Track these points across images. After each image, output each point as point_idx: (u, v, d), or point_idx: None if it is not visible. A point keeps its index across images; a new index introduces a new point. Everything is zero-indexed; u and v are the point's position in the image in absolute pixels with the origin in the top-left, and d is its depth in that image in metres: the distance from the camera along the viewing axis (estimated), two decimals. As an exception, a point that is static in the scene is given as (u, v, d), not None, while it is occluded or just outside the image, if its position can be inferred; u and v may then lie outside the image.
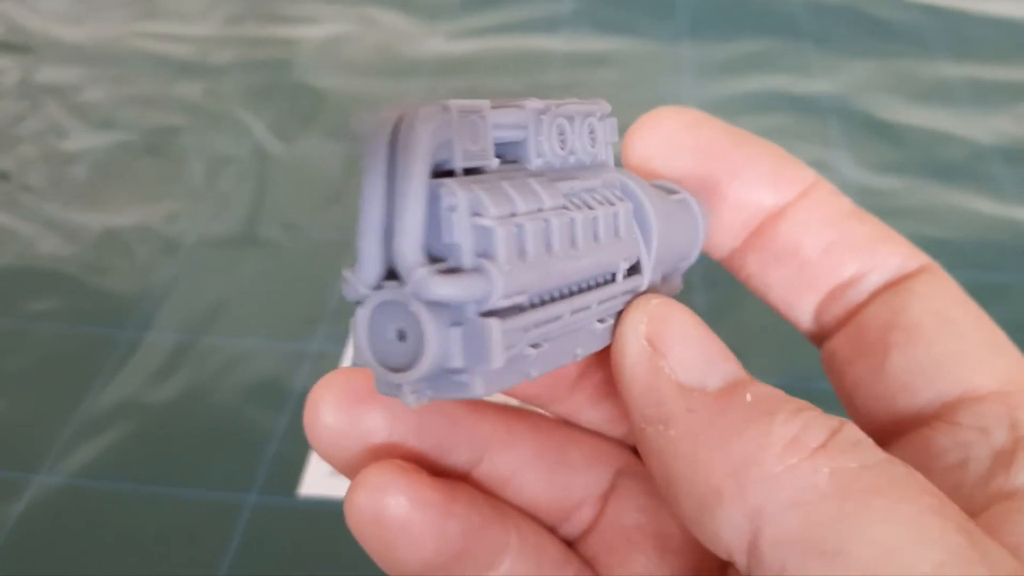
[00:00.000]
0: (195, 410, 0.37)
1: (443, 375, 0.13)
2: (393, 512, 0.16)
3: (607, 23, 0.59)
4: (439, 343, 0.13)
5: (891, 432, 0.19)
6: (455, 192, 0.13)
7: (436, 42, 0.58)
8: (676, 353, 0.16)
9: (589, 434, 0.20)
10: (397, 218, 0.13)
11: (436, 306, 0.13)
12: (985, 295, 0.39)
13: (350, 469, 0.17)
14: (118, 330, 0.40)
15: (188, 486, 0.34)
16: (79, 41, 0.60)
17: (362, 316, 0.13)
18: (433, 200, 0.13)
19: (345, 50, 0.58)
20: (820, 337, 0.21)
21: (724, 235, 0.20)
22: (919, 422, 0.18)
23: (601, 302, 0.16)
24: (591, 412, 0.20)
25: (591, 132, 0.17)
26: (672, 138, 0.20)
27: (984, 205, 0.45)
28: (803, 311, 0.20)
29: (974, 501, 0.16)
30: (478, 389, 0.13)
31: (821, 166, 0.47)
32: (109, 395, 0.38)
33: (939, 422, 0.18)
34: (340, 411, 0.17)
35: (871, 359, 0.19)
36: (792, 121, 0.50)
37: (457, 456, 0.18)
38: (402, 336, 0.13)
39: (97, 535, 0.33)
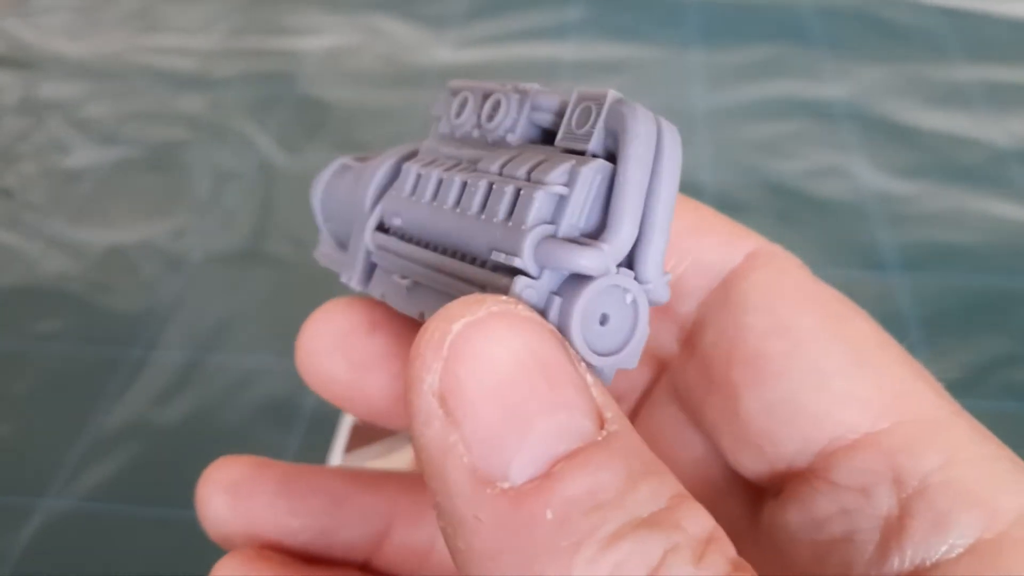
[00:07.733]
0: (204, 430, 0.36)
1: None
2: None
3: (616, 30, 0.58)
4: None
5: (769, 486, 0.17)
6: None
7: (443, 51, 0.58)
8: (474, 422, 0.12)
9: None
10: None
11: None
12: (1007, 301, 0.39)
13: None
14: (124, 349, 0.40)
15: (198, 509, 0.34)
16: (81, 56, 0.59)
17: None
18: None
19: (350, 60, 0.57)
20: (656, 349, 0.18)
21: None
22: (794, 475, 0.16)
23: (452, 274, 0.15)
24: None
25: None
26: (334, 347, 0.20)
27: (1005, 209, 0.44)
28: None
29: None
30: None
31: (839, 172, 0.46)
32: (116, 416, 0.37)
33: (816, 478, 0.15)
34: (227, 502, 0.19)
35: (722, 400, 0.16)
36: (806, 127, 0.50)
37: (348, 533, 0.19)
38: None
39: (107, 558, 0.32)
